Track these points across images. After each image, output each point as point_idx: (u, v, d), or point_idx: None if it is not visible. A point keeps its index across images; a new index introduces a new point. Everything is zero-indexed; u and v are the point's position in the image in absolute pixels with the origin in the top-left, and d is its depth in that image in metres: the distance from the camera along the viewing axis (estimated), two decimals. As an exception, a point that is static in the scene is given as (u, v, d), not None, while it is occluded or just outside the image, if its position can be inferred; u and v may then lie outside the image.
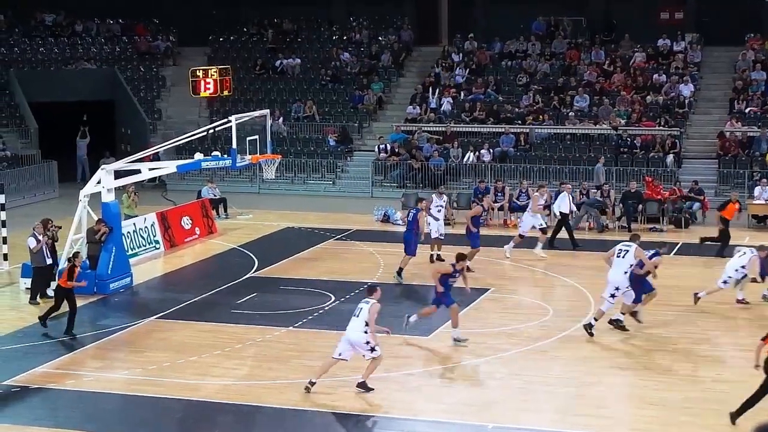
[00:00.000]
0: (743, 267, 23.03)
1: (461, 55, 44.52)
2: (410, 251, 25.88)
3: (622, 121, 39.10)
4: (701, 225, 32.61)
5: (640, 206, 32.84)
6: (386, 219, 33.32)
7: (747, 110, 38.99)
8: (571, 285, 25.59)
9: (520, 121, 40.36)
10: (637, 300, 21.47)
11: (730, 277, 23.17)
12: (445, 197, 29.11)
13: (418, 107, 42.01)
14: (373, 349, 17.69)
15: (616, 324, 21.43)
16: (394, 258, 26.33)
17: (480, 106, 41.21)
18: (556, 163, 37.63)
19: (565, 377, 18.79)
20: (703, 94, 41.19)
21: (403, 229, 27.98)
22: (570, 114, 40.08)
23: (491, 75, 43.39)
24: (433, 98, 42.13)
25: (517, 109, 41.03)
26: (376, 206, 34.40)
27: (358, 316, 17.77)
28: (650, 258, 21.55)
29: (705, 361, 19.78)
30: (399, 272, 25.76)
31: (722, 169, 36.56)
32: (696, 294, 23.35)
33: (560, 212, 29.79)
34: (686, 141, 38.58)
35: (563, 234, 29.67)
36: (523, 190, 33.15)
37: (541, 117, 40.37)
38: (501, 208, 33.32)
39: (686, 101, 40.04)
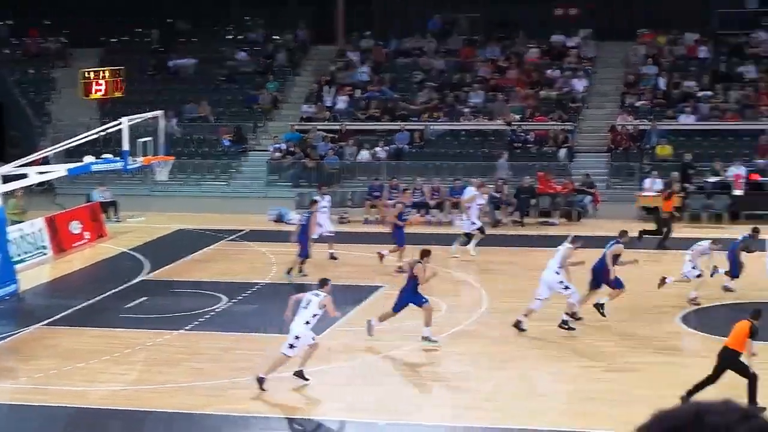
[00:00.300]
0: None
1: (359, 53, 44.39)
2: (303, 254, 25.68)
3: (517, 117, 39.35)
4: (593, 218, 32.97)
5: (533, 201, 33.12)
6: (279, 219, 33.07)
7: (638, 104, 39.53)
8: (463, 280, 25.65)
9: (415, 118, 40.36)
10: (618, 286, 21.53)
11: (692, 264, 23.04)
12: (327, 197, 28.93)
13: (313, 106, 41.78)
14: (291, 346, 17.50)
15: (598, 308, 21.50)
16: (287, 258, 26.05)
17: (375, 104, 41.14)
18: (451, 160, 37.71)
19: (458, 372, 18.80)
20: (596, 89, 41.64)
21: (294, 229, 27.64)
22: (465, 110, 40.21)
23: (387, 73, 43.32)
24: (328, 97, 41.92)
25: (412, 106, 41.01)
26: (270, 206, 34.11)
27: (306, 308, 17.63)
28: (610, 246, 21.62)
29: (596, 352, 19.93)
30: (288, 272, 25.54)
31: (614, 162, 37.06)
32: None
33: None
34: (579, 135, 38.97)
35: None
36: (418, 187, 33.12)
37: (436, 114, 40.40)
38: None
39: (579, 96, 40.48)
